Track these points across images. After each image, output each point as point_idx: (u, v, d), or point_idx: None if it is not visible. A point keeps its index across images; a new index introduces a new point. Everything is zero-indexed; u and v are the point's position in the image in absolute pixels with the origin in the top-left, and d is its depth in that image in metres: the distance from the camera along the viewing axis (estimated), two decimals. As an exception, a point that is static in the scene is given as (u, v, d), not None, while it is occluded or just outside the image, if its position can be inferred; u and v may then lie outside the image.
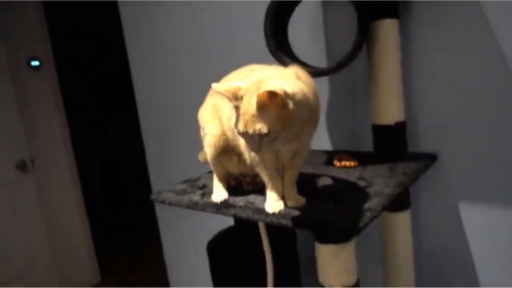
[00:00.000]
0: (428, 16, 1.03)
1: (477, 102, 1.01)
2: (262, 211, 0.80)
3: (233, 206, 0.86)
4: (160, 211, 2.05)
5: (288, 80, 0.70)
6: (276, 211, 0.78)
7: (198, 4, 1.51)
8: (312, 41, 1.23)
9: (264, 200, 0.82)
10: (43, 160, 2.64)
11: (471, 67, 1.01)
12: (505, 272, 1.07)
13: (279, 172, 0.82)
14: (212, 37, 1.51)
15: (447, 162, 1.08)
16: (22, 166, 2.53)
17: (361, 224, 0.71)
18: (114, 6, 1.85)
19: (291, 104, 0.66)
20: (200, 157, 1.04)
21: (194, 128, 1.00)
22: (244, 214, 0.84)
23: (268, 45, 0.98)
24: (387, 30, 0.96)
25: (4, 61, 2.44)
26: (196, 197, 0.94)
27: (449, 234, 1.13)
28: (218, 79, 0.89)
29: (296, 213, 0.77)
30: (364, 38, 0.94)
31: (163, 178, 1.99)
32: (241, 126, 0.67)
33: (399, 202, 1.04)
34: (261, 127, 0.66)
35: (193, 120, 0.99)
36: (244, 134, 0.68)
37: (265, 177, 0.82)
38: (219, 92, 0.70)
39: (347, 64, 0.94)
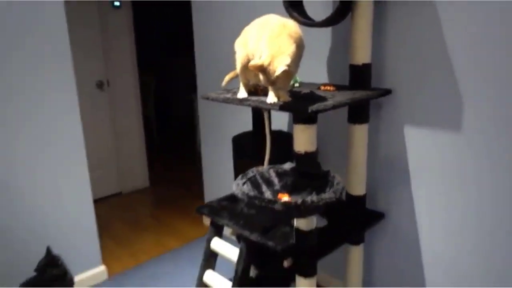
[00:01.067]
0: (397, -6, 1.52)
1: (422, 53, 1.51)
2: (265, 102, 1.38)
3: (249, 100, 1.44)
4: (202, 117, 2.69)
5: (288, 48, 1.22)
6: (272, 102, 1.36)
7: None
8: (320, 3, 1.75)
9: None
10: (116, 82, 3.34)
11: (421, 30, 1.50)
12: (430, 175, 1.60)
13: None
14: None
15: (399, 95, 1.60)
16: (100, 85, 3.24)
17: (317, 110, 1.27)
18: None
19: (292, 67, 1.21)
20: (225, 79, 1.62)
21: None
22: (254, 104, 1.42)
23: (283, 3, 1.52)
24: (365, 2, 1.46)
25: (93, 1, 3.09)
26: (228, 95, 1.53)
27: (395, 146, 1.67)
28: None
29: (278, 104, 1.33)
30: (348, 4, 1.45)
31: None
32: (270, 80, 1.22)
33: (360, 116, 1.58)
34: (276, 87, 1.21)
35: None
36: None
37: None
38: (253, 69, 1.23)
39: (333, 23, 1.46)
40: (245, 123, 2.30)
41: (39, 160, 1.94)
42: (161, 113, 5.49)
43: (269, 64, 1.20)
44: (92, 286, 2.22)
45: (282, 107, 1.31)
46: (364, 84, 1.58)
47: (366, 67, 1.56)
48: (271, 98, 1.37)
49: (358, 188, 1.68)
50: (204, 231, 2.80)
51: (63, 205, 2.07)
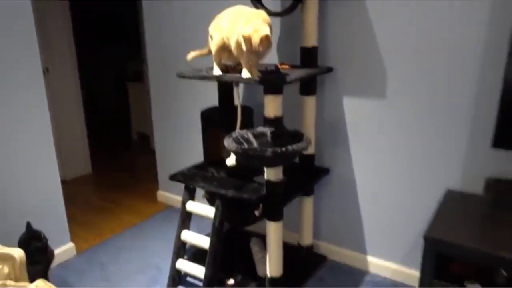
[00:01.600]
0: (335, -10, 1.91)
1: (355, 38, 1.93)
2: (239, 77, 1.68)
3: (225, 76, 1.72)
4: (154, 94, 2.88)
5: (263, 23, 1.54)
6: (248, 77, 1.66)
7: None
8: (272, -3, 2.08)
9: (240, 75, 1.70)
10: (55, 70, 3.32)
11: (354, 20, 1.91)
12: (361, 136, 2.04)
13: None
14: (208, -14, 2.30)
15: (339, 72, 2.01)
16: (39, 72, 3.20)
17: (283, 82, 1.60)
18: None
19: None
20: (188, 56, 1.88)
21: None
22: (229, 79, 1.71)
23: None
24: (311, -5, 1.83)
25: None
26: (204, 73, 1.79)
27: (336, 112, 2.08)
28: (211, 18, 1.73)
29: (255, 79, 1.64)
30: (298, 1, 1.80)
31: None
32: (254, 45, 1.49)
33: (309, 89, 1.96)
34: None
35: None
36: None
37: (244, 63, 1.68)
38: (244, 38, 1.48)
39: (289, 12, 1.80)
40: (200, 103, 2.56)
41: (6, 140, 2.00)
42: (91, 102, 5.38)
43: (251, 35, 1.47)
44: (63, 261, 2.32)
45: (262, 81, 1.61)
46: (313, 63, 1.96)
47: (314, 49, 1.93)
48: (245, 73, 1.67)
49: (309, 149, 2.06)
50: (159, 207, 3.01)
51: (34, 185, 2.14)
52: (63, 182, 3.45)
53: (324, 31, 1.99)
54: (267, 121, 1.74)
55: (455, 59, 1.70)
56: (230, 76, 1.71)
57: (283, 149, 1.42)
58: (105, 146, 4.55)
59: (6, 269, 1.37)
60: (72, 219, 2.63)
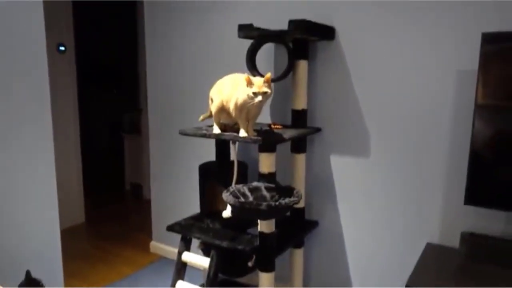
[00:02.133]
0: (323, 60, 2.16)
1: (341, 103, 2.14)
2: (237, 136, 1.85)
3: (224, 135, 1.90)
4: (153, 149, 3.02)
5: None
6: (243, 136, 1.83)
7: (208, 23, 2.55)
8: (267, 63, 2.32)
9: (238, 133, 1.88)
10: (57, 116, 3.49)
11: (340, 86, 2.14)
12: (349, 191, 2.20)
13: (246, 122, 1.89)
14: (213, 54, 2.55)
15: (326, 132, 2.21)
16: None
17: (277, 142, 1.78)
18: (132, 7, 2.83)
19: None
20: (200, 117, 2.07)
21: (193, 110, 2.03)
22: (227, 137, 1.88)
23: (247, 65, 2.05)
24: (302, 65, 2.06)
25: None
26: (204, 131, 1.97)
27: (324, 169, 2.25)
28: (212, 81, 1.94)
29: (252, 138, 1.82)
30: (291, 68, 2.03)
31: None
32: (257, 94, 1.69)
33: (299, 147, 2.14)
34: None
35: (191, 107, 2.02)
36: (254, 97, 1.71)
37: (241, 123, 1.87)
38: (248, 83, 1.69)
39: (282, 78, 2.02)
40: (198, 157, 2.72)
41: (9, 185, 2.10)
42: (87, 151, 5.50)
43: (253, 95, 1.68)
44: (55, 313, 2.34)
45: (252, 140, 1.79)
46: (302, 123, 2.16)
47: (304, 111, 2.14)
48: (242, 133, 1.85)
49: (299, 203, 2.20)
50: (153, 258, 3.06)
51: (32, 232, 2.22)
52: (57, 231, 3.51)
53: (312, 95, 2.22)
54: (262, 176, 1.89)
55: (430, 121, 1.92)
56: (228, 135, 1.89)
57: (277, 203, 1.57)
58: (98, 195, 4.62)
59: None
60: (65, 269, 2.66)
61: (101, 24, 5.31)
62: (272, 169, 1.89)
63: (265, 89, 1.66)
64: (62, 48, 3.41)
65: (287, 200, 1.61)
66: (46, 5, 3.23)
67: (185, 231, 2.14)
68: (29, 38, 2.05)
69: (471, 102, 1.78)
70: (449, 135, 1.87)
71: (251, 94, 1.66)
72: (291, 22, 1.86)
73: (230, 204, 1.62)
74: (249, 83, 1.67)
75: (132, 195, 4.75)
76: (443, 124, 1.88)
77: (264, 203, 1.56)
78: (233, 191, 1.76)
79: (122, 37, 4.92)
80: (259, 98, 1.66)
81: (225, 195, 1.67)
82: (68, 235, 3.50)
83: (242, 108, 1.76)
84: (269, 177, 1.89)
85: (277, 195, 1.80)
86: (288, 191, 1.78)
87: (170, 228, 2.18)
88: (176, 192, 2.92)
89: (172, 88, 2.81)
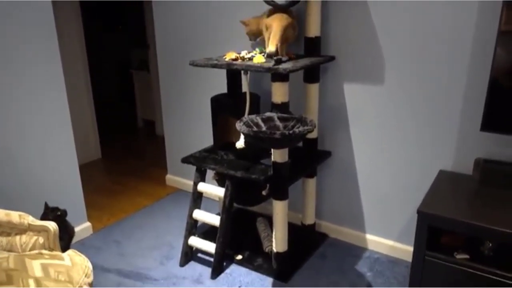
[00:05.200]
0: (338, -17, 2.03)
1: (356, 28, 2.05)
2: (249, 66, 1.80)
3: (234, 65, 1.85)
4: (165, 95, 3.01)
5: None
6: (270, 50, 1.81)
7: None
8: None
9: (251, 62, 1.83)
10: (65, 57, 3.44)
11: (354, 11, 2.03)
12: (362, 120, 2.18)
13: None
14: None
15: (340, 60, 2.14)
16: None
17: (290, 70, 1.73)
18: None
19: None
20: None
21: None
22: (240, 67, 1.84)
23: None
24: (315, -12, 1.95)
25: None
26: (215, 61, 1.92)
27: (338, 98, 2.22)
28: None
29: (264, 67, 1.77)
30: (304, -9, 1.92)
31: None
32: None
33: (312, 77, 2.09)
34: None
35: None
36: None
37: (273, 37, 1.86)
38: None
39: (294, 4, 1.92)
40: (209, 89, 2.69)
41: (27, 125, 2.13)
42: (94, 90, 5.50)
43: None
44: (81, 239, 2.48)
45: (271, 69, 1.74)
46: (316, 52, 2.09)
47: (317, 39, 2.06)
48: (271, 47, 1.82)
49: (312, 133, 2.20)
50: (169, 190, 3.16)
51: (53, 167, 2.28)
52: (75, 166, 3.62)
53: (326, 22, 2.12)
54: (275, 106, 1.87)
55: (447, 49, 1.83)
56: (239, 64, 1.84)
57: (291, 131, 1.57)
58: (112, 133, 4.69)
59: (41, 240, 1.51)
60: (86, 201, 2.78)
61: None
62: (285, 99, 1.87)
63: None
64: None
65: (300, 128, 1.60)
66: None
67: (199, 163, 2.17)
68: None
69: (494, 26, 1.68)
70: (468, 61, 1.80)
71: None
72: None
73: (244, 134, 1.62)
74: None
75: (145, 132, 4.80)
76: (463, 50, 1.80)
77: (278, 132, 1.55)
78: (246, 121, 1.75)
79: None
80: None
81: (239, 125, 1.66)
82: (86, 170, 3.61)
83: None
84: (282, 107, 1.87)
85: (291, 124, 1.79)
86: (302, 120, 1.77)
87: (185, 160, 2.22)
88: (189, 126, 2.93)
89: (181, 19, 2.70)
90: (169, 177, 3.25)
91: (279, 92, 1.84)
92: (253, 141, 1.64)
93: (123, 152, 4.10)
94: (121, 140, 4.48)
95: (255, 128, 1.73)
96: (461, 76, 1.83)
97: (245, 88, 2.04)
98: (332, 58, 2.12)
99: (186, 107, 2.90)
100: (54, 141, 2.27)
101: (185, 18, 2.67)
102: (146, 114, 4.82)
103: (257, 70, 1.78)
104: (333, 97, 2.23)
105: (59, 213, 2.01)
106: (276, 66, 1.73)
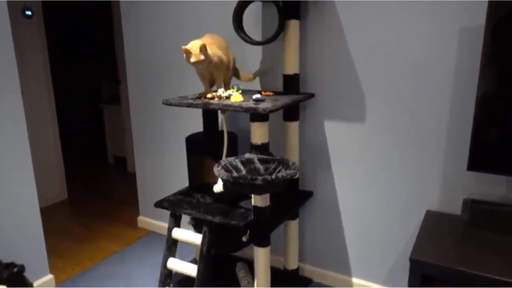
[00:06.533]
0: (316, 19, 2.00)
1: (335, 66, 2.01)
2: (227, 105, 1.71)
3: (211, 104, 1.75)
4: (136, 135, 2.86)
5: (214, 45, 1.72)
6: (223, 95, 1.73)
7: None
8: (254, 25, 2.14)
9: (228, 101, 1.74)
10: (30, 92, 3.26)
11: (334, 46, 1.99)
12: (344, 158, 2.10)
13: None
14: (196, 16, 2.35)
15: (319, 98, 2.08)
16: (13, 97, 3.13)
17: (270, 110, 1.64)
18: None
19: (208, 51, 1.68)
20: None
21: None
22: (217, 107, 1.74)
23: (233, 25, 1.87)
24: (293, 26, 1.90)
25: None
26: (190, 101, 1.81)
27: (318, 137, 2.14)
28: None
29: (243, 107, 1.67)
30: (282, 28, 1.87)
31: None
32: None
33: (292, 115, 2.01)
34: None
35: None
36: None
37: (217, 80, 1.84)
38: (184, 50, 1.69)
39: (272, 40, 1.86)
40: (184, 128, 2.57)
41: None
42: (65, 125, 5.28)
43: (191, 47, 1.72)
44: (41, 296, 2.24)
45: (250, 109, 1.65)
46: (295, 89, 2.02)
47: (296, 76, 2.00)
48: (221, 91, 1.74)
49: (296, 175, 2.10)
50: (140, 233, 2.96)
51: (8, 209, 2.07)
52: (38, 209, 3.36)
53: (304, 58, 2.07)
54: (254, 148, 1.77)
55: (429, 83, 1.80)
56: (217, 103, 1.74)
57: (273, 177, 1.46)
58: (80, 170, 4.45)
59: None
60: (49, 248, 2.55)
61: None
62: (265, 140, 1.77)
63: (202, 57, 1.70)
64: (28, 12, 3.12)
65: (283, 173, 1.50)
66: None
67: (174, 207, 2.02)
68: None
69: (476, 61, 1.66)
70: (451, 98, 1.77)
71: (192, 64, 1.72)
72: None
73: (223, 180, 1.50)
74: (187, 53, 1.71)
75: (115, 168, 4.59)
76: (445, 87, 1.77)
77: (260, 177, 1.44)
78: (225, 164, 1.63)
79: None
80: (199, 66, 1.73)
81: (217, 170, 1.54)
82: (50, 212, 3.36)
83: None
84: (262, 148, 1.77)
85: (272, 167, 1.68)
86: (284, 163, 1.67)
87: (159, 205, 2.06)
88: (163, 165, 2.78)
89: (153, 55, 2.61)
90: (141, 218, 3.05)
91: (258, 133, 1.75)
92: (232, 187, 1.52)
93: (91, 191, 3.87)
94: (90, 177, 4.25)
95: (234, 173, 1.61)
96: (444, 112, 1.80)
97: (224, 127, 1.94)
98: (311, 95, 2.05)
99: (159, 145, 2.76)
100: (11, 180, 2.06)
101: (158, 52, 2.57)
102: (116, 150, 4.62)
103: (236, 110, 1.68)
104: (313, 135, 2.15)
105: (15, 269, 1.80)
106: (255, 106, 1.64)
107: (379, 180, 2.02)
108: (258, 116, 1.71)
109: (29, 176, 2.16)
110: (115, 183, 4.14)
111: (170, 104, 1.86)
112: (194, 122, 2.49)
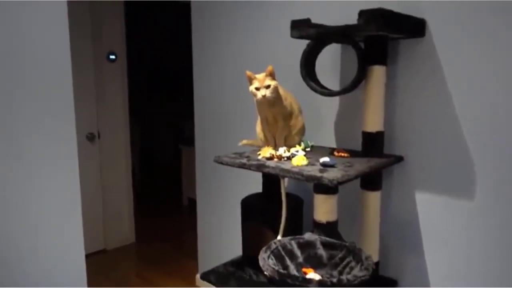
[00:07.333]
0: (407, 64, 1.59)
1: (432, 123, 1.55)
2: (284, 170, 1.36)
3: (268, 167, 1.42)
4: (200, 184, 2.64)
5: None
6: (284, 155, 1.41)
7: (262, 25, 2.11)
8: (332, 72, 1.80)
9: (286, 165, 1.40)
10: (107, 135, 3.28)
11: (430, 99, 1.55)
12: (441, 242, 1.60)
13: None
14: (261, 57, 2.10)
15: (410, 162, 1.63)
16: (91, 138, 3.17)
17: (339, 182, 1.26)
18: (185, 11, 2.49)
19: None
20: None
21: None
22: (273, 171, 1.40)
23: (301, 72, 1.55)
24: (378, 73, 1.51)
25: (90, 54, 3.09)
26: (243, 160, 1.51)
27: (407, 212, 1.67)
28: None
29: (305, 175, 1.31)
30: (362, 76, 1.49)
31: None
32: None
33: (373, 183, 1.58)
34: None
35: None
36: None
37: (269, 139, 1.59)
38: (247, 76, 1.50)
39: (350, 91, 1.50)
40: (252, 183, 2.26)
41: (33, 208, 1.81)
42: (145, 163, 5.40)
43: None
44: None
45: (310, 178, 1.29)
46: (377, 150, 1.60)
47: (379, 135, 1.58)
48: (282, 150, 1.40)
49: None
50: (197, 295, 2.67)
51: (54, 259, 1.92)
52: (104, 251, 3.30)
53: (391, 111, 1.65)
54: (317, 226, 1.38)
55: None
56: (273, 167, 1.41)
57: (334, 279, 1.05)
58: (156, 213, 4.40)
59: None
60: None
61: (156, 28, 5.16)
62: (332, 217, 1.37)
63: (268, 82, 1.47)
64: (112, 56, 3.19)
65: (350, 276, 1.08)
66: (95, 11, 3.03)
67: (221, 282, 1.69)
68: (53, 47, 1.72)
69: None
70: None
71: (254, 90, 1.49)
72: (362, 13, 1.33)
73: (268, 275, 1.13)
74: (250, 79, 1.51)
75: (189, 210, 4.46)
76: None
77: (315, 280, 1.05)
78: (276, 248, 1.27)
79: (181, 41, 4.71)
80: (262, 92, 1.46)
81: (263, 258, 1.19)
82: (115, 256, 3.26)
83: (259, 113, 1.59)
84: (328, 228, 1.37)
85: (338, 256, 1.27)
86: (355, 252, 1.25)
87: (205, 277, 1.75)
88: (222, 224, 2.50)
89: (219, 102, 2.40)
90: (198, 278, 2.77)
91: (324, 208, 1.36)
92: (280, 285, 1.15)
93: (160, 234, 3.74)
94: (162, 219, 4.15)
95: (286, 261, 1.24)
96: None
97: (283, 193, 1.59)
98: (399, 159, 1.61)
99: (219, 201, 2.49)
100: (58, 228, 1.91)
101: (224, 98, 2.35)
102: (192, 192, 4.49)
103: (295, 177, 1.33)
104: (400, 210, 1.69)
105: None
106: (320, 174, 1.27)
107: (485, 275, 1.47)
108: (323, 187, 1.33)
109: (77, 225, 2.01)
110: (186, 228, 3.97)
111: (221, 163, 1.57)
112: (256, 180, 2.18)
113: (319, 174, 1.28)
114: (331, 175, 1.27)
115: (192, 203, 4.49)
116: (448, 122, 1.51)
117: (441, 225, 1.59)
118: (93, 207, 3.23)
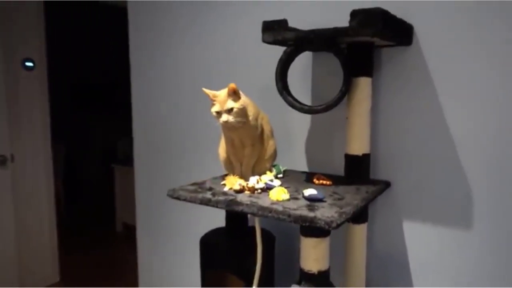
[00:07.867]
0: (392, 77, 1.39)
1: (420, 143, 1.36)
2: (263, 208, 1.07)
3: (242, 204, 1.11)
4: (141, 213, 2.24)
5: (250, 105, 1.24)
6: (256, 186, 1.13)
7: (203, 23, 1.80)
8: (303, 85, 1.55)
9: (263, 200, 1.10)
10: (23, 157, 2.73)
11: (419, 117, 1.36)
12: (437, 277, 1.40)
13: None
14: (216, 65, 1.79)
15: (398, 188, 1.42)
16: (2, 161, 2.61)
17: (338, 224, 0.99)
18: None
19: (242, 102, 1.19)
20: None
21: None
22: (247, 210, 1.10)
23: (277, 86, 1.27)
24: (363, 86, 1.29)
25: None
26: (208, 195, 1.19)
27: (394, 244, 1.45)
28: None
29: (292, 215, 1.03)
30: (347, 89, 1.26)
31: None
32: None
33: (360, 216, 1.35)
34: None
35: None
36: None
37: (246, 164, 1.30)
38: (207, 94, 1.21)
39: (334, 107, 1.25)
40: (209, 210, 1.93)
41: None
42: (71, 187, 4.76)
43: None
44: None
45: (300, 219, 1.00)
46: (363, 176, 1.37)
47: (366, 158, 1.35)
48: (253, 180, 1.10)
49: (358, 298, 1.40)
50: None
51: None
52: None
53: (375, 131, 1.43)
54: (306, 278, 1.10)
55: None
56: (247, 204, 1.10)
57: None
58: (85, 242, 3.84)
59: None
60: None
61: (85, 34, 4.62)
62: (325, 265, 1.10)
63: (230, 104, 1.18)
64: (29, 64, 2.68)
65: None
66: (3, 7, 2.52)
67: None
68: None
69: None
70: None
71: (214, 114, 1.21)
72: (356, 14, 1.09)
73: None
74: (212, 99, 1.22)
75: (124, 238, 3.96)
76: None
77: None
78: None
79: (115, 50, 4.22)
80: (224, 118, 1.18)
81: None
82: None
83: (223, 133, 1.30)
84: (320, 279, 1.09)
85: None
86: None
87: None
88: (171, 264, 2.13)
89: (165, 115, 2.05)
90: (141, 323, 2.36)
91: (315, 255, 1.08)
92: None
93: (90, 268, 3.23)
94: (92, 251, 3.62)
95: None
96: None
97: (257, 233, 1.29)
98: (386, 185, 1.39)
99: (167, 240, 2.13)
100: None
101: (170, 123, 2.01)
102: (127, 217, 4.01)
103: (280, 219, 1.04)
104: (387, 241, 1.47)
105: None
106: (312, 214, 0.99)
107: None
108: (315, 229, 1.05)
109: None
110: (121, 259, 3.49)
111: (178, 198, 1.23)
112: (215, 211, 1.86)
113: (310, 214, 1.00)
114: (325, 214, 1.00)
115: (128, 229, 4.01)
116: (438, 142, 1.33)
117: (431, 259, 1.39)
118: (4, 246, 2.66)
